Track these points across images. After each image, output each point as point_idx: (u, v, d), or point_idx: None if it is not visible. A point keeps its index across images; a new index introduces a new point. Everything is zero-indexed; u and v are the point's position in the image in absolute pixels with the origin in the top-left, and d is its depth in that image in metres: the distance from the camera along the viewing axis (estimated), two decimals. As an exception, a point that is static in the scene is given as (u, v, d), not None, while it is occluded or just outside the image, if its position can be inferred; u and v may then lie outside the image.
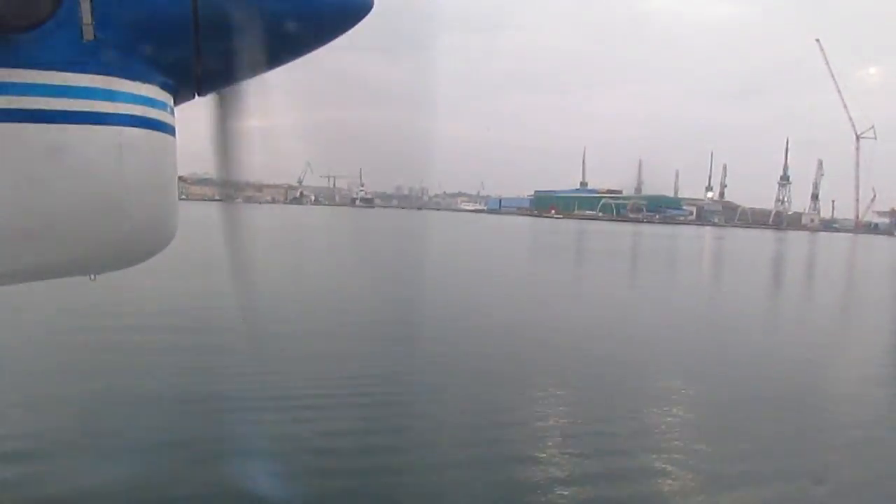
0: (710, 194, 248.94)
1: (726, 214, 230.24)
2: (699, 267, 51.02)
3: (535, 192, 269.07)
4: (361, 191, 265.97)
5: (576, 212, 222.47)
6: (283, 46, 3.95)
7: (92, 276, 3.97)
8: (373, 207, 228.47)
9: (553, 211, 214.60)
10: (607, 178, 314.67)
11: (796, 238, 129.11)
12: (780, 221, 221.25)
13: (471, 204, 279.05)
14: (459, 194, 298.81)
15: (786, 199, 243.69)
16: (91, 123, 3.28)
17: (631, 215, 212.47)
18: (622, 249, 66.22)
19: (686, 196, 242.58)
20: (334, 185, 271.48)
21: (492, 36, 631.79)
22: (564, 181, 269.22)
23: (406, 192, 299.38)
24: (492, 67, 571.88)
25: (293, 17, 3.82)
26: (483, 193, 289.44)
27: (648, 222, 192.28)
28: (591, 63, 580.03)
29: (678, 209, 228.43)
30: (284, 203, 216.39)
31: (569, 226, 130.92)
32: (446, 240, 64.42)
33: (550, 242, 71.16)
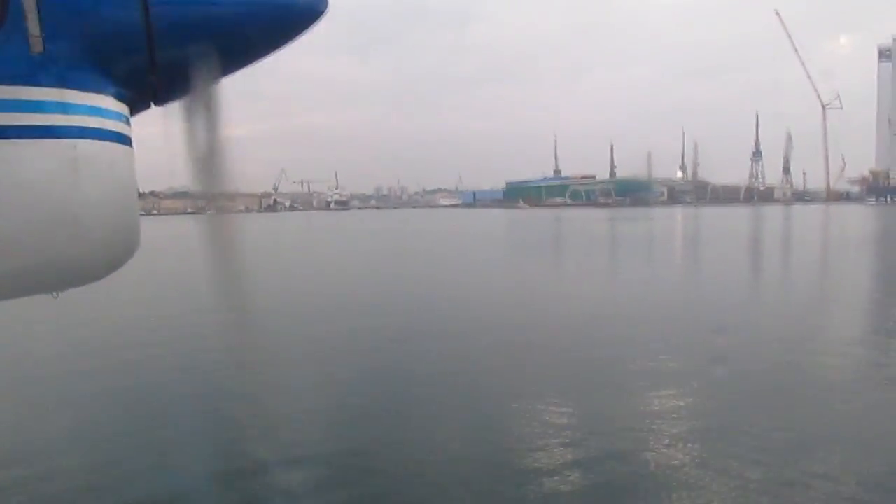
0: (679, 174, 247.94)
1: (697, 193, 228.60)
2: (653, 256, 47.66)
3: (507, 183, 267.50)
4: (336, 193, 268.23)
5: (547, 200, 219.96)
6: (238, 52, 3.90)
7: (54, 294, 3.79)
8: (347, 209, 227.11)
9: (521, 202, 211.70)
10: (584, 164, 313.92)
11: (768, 212, 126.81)
12: (752, 197, 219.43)
13: (449, 199, 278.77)
14: (438, 190, 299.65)
15: (759, 174, 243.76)
16: (44, 137, 3.19)
17: (602, 200, 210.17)
18: (555, 238, 62.92)
19: (660, 177, 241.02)
20: (309, 189, 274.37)
21: (461, 28, 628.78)
22: (539, 170, 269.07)
23: (385, 192, 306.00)
24: (463, 60, 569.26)
25: (247, 23, 3.80)
26: (462, 188, 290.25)
27: (618, 206, 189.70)
28: (561, 50, 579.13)
29: (649, 191, 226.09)
30: (259, 211, 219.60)
31: (529, 215, 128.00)
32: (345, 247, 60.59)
33: (481, 234, 68.07)
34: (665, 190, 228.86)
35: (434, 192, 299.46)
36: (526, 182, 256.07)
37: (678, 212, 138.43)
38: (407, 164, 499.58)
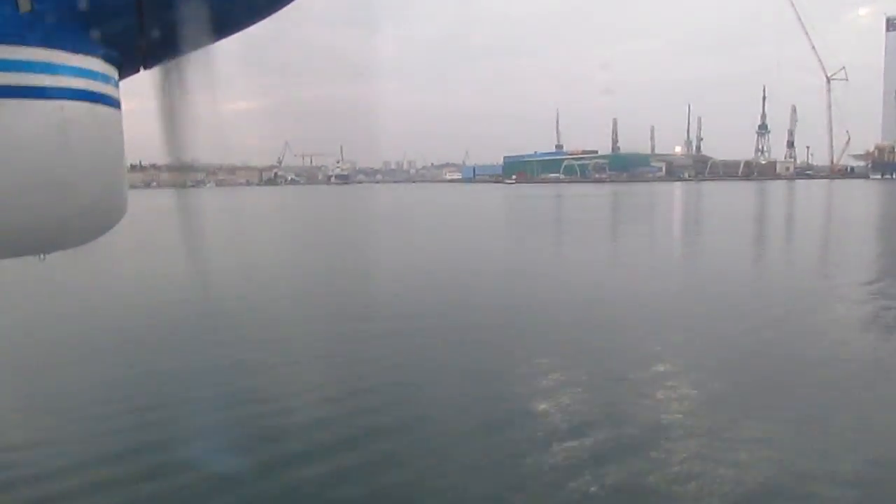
0: (678, 149, 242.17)
1: (697, 168, 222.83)
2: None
3: (504, 157, 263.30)
4: (337, 168, 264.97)
5: (539, 176, 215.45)
6: (230, 15, 3.84)
7: (41, 256, 3.72)
8: (348, 184, 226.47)
9: (515, 177, 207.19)
10: (589, 139, 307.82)
11: (768, 188, 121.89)
12: (751, 172, 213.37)
13: (454, 174, 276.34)
14: (446, 165, 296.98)
15: (765, 148, 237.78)
16: (31, 98, 3.12)
17: (597, 175, 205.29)
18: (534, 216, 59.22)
19: (660, 152, 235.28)
20: (311, 163, 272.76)
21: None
22: (542, 145, 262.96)
23: (393, 166, 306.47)
24: (470, 33, 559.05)
25: None
26: (469, 163, 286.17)
27: (613, 181, 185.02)
28: (570, 23, 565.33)
29: (647, 166, 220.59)
30: (259, 185, 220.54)
31: (508, 191, 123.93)
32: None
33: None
34: (663, 165, 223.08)
35: (442, 166, 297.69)
36: (521, 157, 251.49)
37: (674, 188, 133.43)
38: (417, 139, 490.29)
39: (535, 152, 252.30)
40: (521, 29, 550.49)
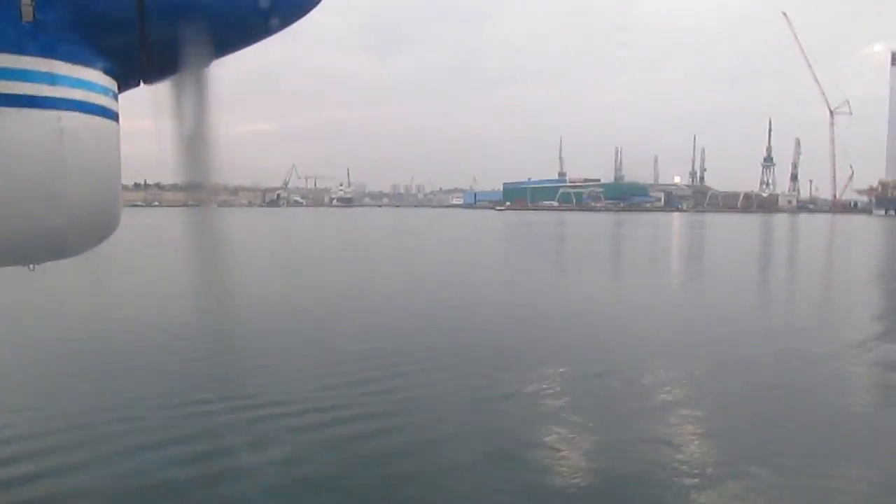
0: (677, 179, 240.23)
1: (696, 199, 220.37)
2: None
3: (504, 184, 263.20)
4: (340, 190, 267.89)
5: (533, 203, 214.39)
6: (231, 34, 3.86)
7: (31, 267, 3.73)
8: (350, 207, 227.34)
9: (508, 204, 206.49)
10: (594, 168, 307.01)
11: (767, 221, 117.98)
12: (750, 204, 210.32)
13: (458, 199, 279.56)
14: (454, 190, 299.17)
15: (770, 181, 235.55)
16: (30, 107, 3.14)
17: (593, 204, 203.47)
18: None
19: (658, 182, 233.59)
20: (315, 185, 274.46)
21: (478, 27, 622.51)
22: (547, 172, 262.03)
23: (402, 190, 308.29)
24: (481, 59, 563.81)
25: (241, 5, 3.79)
26: (476, 188, 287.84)
27: (608, 210, 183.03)
28: (581, 53, 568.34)
29: (645, 196, 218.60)
30: (261, 206, 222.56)
31: (503, 218, 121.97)
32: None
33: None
34: (662, 195, 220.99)
35: (450, 191, 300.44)
36: (520, 183, 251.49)
37: (671, 218, 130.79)
38: (428, 164, 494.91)
39: (529, 179, 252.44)
40: (531, 58, 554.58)
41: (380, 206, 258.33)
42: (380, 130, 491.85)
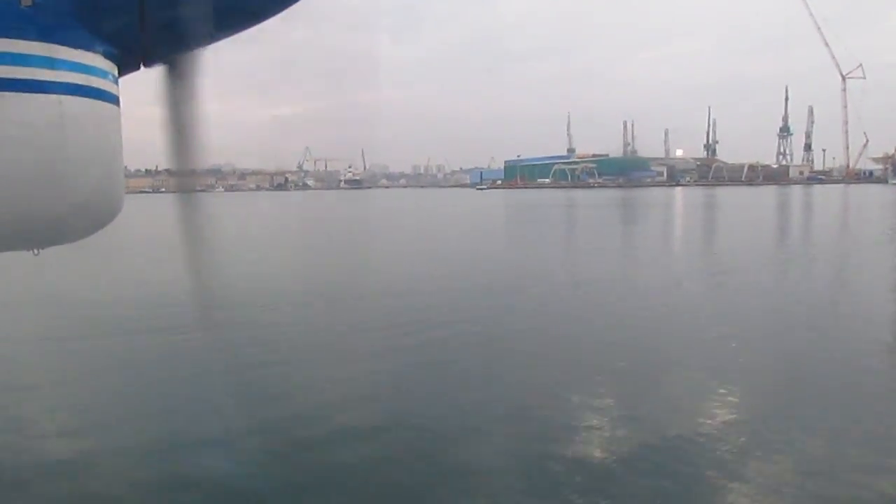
0: (679, 152, 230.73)
1: (701, 172, 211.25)
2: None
3: (505, 162, 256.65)
4: (349, 172, 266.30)
5: (530, 181, 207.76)
6: (231, 15, 3.80)
7: (35, 251, 3.73)
8: (360, 188, 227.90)
9: (499, 182, 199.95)
10: (610, 142, 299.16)
11: (770, 195, 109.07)
12: (756, 176, 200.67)
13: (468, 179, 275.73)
14: (474, 169, 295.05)
15: (787, 152, 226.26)
16: (30, 91, 3.11)
17: (591, 181, 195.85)
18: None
19: (659, 156, 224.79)
20: (325, 167, 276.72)
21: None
22: (558, 148, 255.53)
23: (422, 170, 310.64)
24: (496, 35, 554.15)
25: None
26: (494, 167, 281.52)
27: (602, 187, 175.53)
28: (599, 24, 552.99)
29: (646, 170, 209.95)
30: (269, 190, 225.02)
31: (481, 199, 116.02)
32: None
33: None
34: (664, 170, 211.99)
35: (470, 170, 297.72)
36: (520, 161, 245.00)
37: (659, 197, 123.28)
38: (450, 143, 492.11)
39: (519, 156, 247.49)
40: (545, 28, 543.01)
41: (388, 187, 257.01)
42: (404, 111, 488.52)
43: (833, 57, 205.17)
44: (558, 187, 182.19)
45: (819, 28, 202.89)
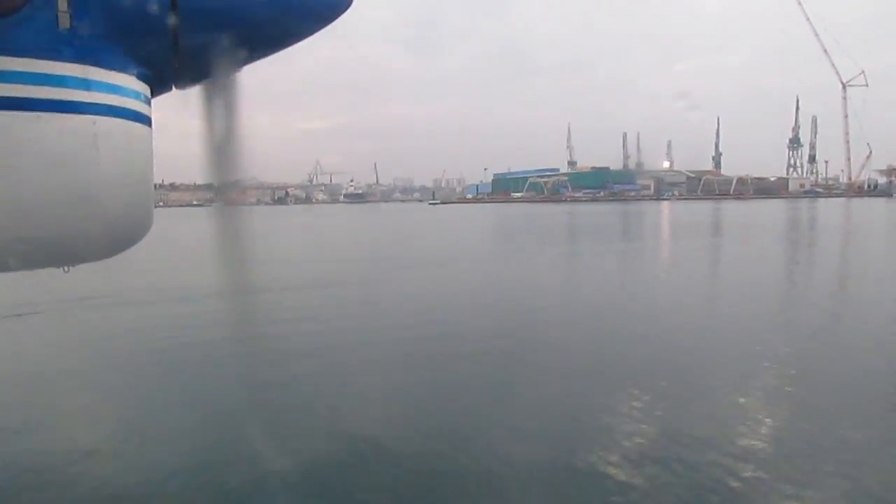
0: (665, 164, 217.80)
1: (689, 185, 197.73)
2: None
3: (493, 175, 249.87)
4: (350, 186, 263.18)
5: (497, 194, 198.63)
6: (263, 40, 3.87)
7: (65, 269, 3.73)
8: (362, 203, 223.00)
9: (440, 199, 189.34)
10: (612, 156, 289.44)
11: (748, 212, 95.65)
12: (746, 190, 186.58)
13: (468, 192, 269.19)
14: (473, 184, 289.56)
15: (797, 163, 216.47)
16: (65, 112, 3.15)
17: (569, 195, 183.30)
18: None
19: (679, 168, 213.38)
20: (330, 181, 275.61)
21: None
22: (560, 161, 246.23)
23: (443, 184, 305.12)
24: (508, 46, 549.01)
25: (273, 11, 3.77)
26: (486, 181, 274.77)
27: (575, 201, 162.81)
28: (614, 36, 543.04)
29: (630, 183, 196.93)
30: (268, 204, 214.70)
31: (428, 215, 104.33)
32: None
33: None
34: (652, 183, 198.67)
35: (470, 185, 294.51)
36: (508, 174, 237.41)
37: (625, 210, 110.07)
38: (470, 157, 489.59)
39: (509, 169, 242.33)
40: (560, 39, 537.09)
41: (404, 200, 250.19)
42: (428, 125, 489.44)
43: (833, 65, 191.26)
44: (531, 201, 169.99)
45: (817, 34, 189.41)
